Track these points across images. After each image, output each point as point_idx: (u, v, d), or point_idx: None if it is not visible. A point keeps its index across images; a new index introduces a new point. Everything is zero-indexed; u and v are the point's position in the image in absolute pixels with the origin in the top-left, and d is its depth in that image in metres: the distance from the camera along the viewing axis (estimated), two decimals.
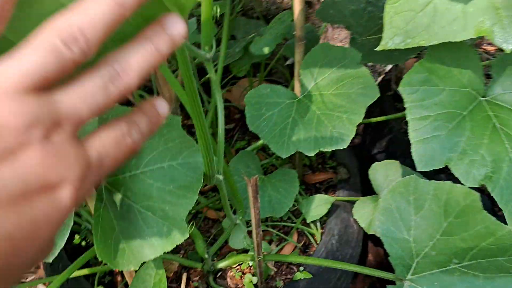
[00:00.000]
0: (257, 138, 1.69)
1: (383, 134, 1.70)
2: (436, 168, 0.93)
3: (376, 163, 1.34)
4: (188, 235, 0.82)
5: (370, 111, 1.80)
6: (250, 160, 1.32)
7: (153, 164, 0.83)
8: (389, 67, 1.98)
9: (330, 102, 1.17)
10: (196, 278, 1.32)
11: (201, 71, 1.71)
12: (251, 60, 1.53)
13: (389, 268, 0.88)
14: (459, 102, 0.94)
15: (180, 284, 1.31)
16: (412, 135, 0.93)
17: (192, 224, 1.09)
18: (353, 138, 1.14)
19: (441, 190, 0.80)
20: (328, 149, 1.13)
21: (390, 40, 0.91)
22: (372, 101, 1.15)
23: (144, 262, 0.87)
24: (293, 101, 1.23)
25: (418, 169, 0.93)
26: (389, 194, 0.81)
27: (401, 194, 0.81)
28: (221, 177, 0.92)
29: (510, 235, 0.78)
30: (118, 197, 0.85)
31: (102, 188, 0.86)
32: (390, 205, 0.81)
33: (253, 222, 1.00)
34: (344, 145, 1.13)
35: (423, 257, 0.81)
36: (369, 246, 1.94)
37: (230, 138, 1.71)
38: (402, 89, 0.96)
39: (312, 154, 1.13)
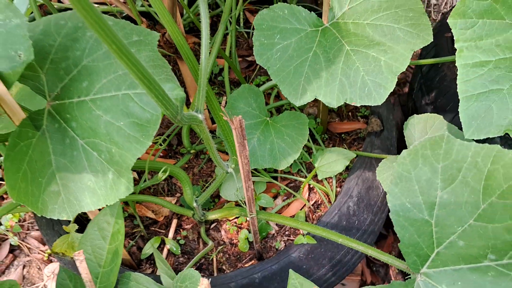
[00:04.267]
0: None
1: (434, 83, 1.41)
2: (490, 137, 0.71)
3: (414, 115, 1.09)
4: (132, 190, 0.64)
5: (423, 54, 1.50)
6: (254, 98, 1.10)
7: (107, 91, 0.64)
8: (456, 1, 1.64)
9: (365, 36, 0.91)
10: (188, 227, 1.17)
11: None
12: None
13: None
14: None
15: (169, 231, 1.17)
16: (462, 88, 0.68)
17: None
18: (401, 85, 0.88)
19: (484, 157, 0.55)
20: (357, 102, 0.89)
21: None
22: (422, 46, 0.88)
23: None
24: (317, 30, 0.98)
25: (466, 136, 0.71)
26: (408, 157, 0.58)
27: (426, 159, 0.57)
28: (200, 116, 0.72)
29: None
30: (62, 126, 0.68)
31: (44, 112, 0.69)
32: (409, 173, 0.58)
33: (242, 173, 0.81)
34: (379, 100, 0.88)
35: (446, 247, 0.59)
36: None
37: (251, 72, 1.48)
38: (452, 22, 0.70)
39: (335, 105, 0.90)
